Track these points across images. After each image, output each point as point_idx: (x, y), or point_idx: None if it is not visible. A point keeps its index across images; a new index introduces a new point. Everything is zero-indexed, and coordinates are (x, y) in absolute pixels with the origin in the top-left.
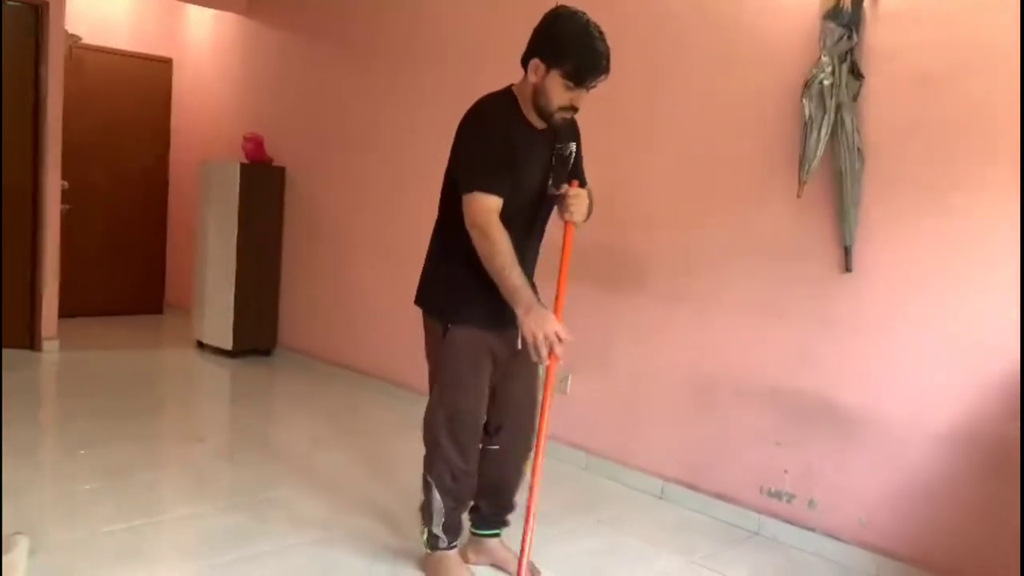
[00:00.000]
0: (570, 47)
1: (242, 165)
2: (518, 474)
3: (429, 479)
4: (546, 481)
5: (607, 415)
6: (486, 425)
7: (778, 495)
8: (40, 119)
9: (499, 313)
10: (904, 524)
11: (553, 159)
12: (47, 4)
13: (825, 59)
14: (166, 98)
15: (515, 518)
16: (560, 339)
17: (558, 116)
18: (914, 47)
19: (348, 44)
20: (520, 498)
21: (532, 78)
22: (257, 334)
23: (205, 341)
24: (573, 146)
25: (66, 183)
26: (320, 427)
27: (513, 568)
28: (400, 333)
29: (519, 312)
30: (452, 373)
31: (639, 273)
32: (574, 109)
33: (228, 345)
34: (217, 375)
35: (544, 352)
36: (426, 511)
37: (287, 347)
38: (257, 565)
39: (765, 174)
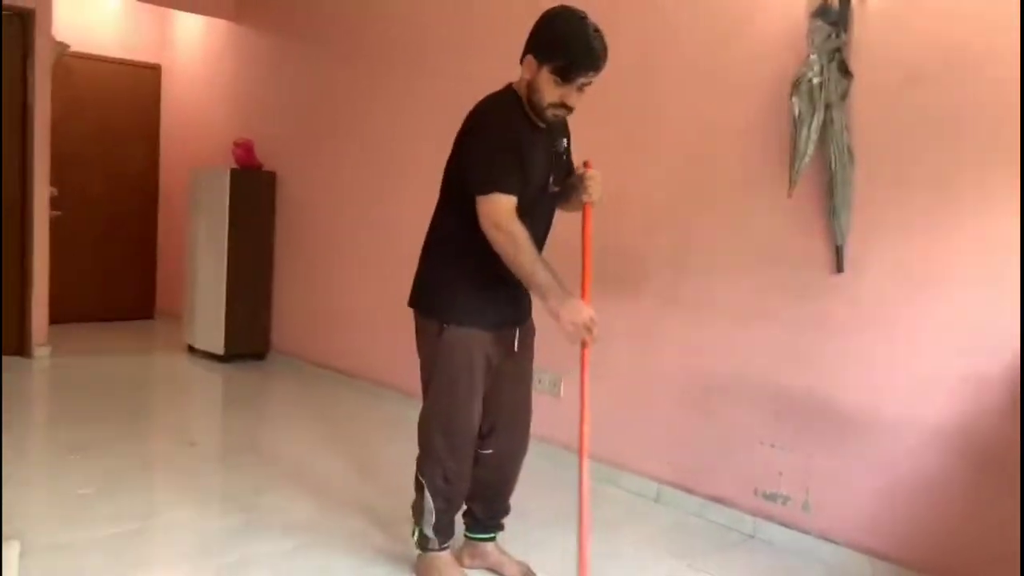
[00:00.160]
0: (559, 44)
1: (232, 171)
2: (513, 477)
3: (421, 479)
4: (540, 485)
5: (601, 418)
6: (479, 428)
7: (773, 497)
8: (28, 127)
9: (496, 314)
10: (900, 526)
11: (554, 156)
12: (34, 12)
13: (814, 57)
14: (155, 105)
15: (510, 521)
16: (594, 323)
17: (550, 113)
18: (903, 45)
19: (337, 49)
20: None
21: (526, 75)
22: (249, 338)
23: (196, 346)
24: (565, 142)
25: (55, 190)
26: (313, 430)
27: (508, 571)
28: (392, 336)
29: (551, 305)
30: (447, 373)
31: (631, 275)
32: (566, 107)
33: (220, 350)
34: (209, 380)
35: (584, 337)
36: (417, 511)
37: (279, 351)
38: (250, 568)
39: (756, 174)
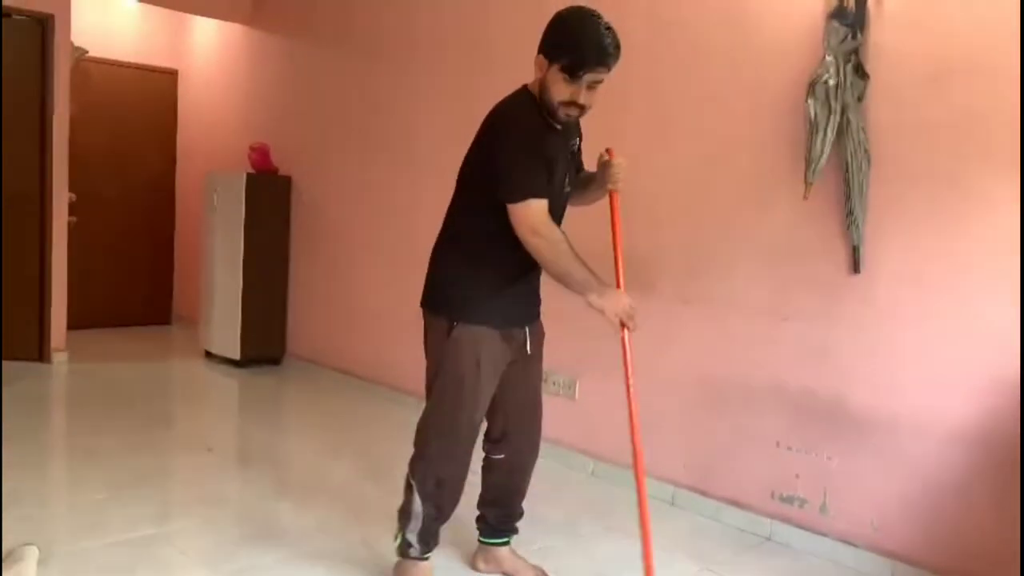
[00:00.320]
0: (567, 41)
1: (248, 175)
2: (525, 482)
3: (412, 481)
4: (554, 488)
5: (616, 420)
6: (488, 433)
7: (790, 500)
8: (47, 132)
9: (506, 314)
10: (918, 528)
11: (569, 157)
12: (53, 17)
13: (829, 59)
14: (172, 109)
15: (524, 524)
16: (634, 310)
17: (562, 112)
18: (920, 46)
19: (353, 51)
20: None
21: (537, 74)
22: (265, 343)
23: (213, 351)
24: (578, 141)
25: (73, 195)
26: (329, 435)
27: None
28: (409, 341)
29: (592, 299)
30: (454, 373)
31: (646, 276)
32: (577, 106)
33: (236, 355)
34: (225, 385)
35: (627, 324)
36: (404, 515)
37: (295, 356)
38: (265, 574)
39: (771, 175)
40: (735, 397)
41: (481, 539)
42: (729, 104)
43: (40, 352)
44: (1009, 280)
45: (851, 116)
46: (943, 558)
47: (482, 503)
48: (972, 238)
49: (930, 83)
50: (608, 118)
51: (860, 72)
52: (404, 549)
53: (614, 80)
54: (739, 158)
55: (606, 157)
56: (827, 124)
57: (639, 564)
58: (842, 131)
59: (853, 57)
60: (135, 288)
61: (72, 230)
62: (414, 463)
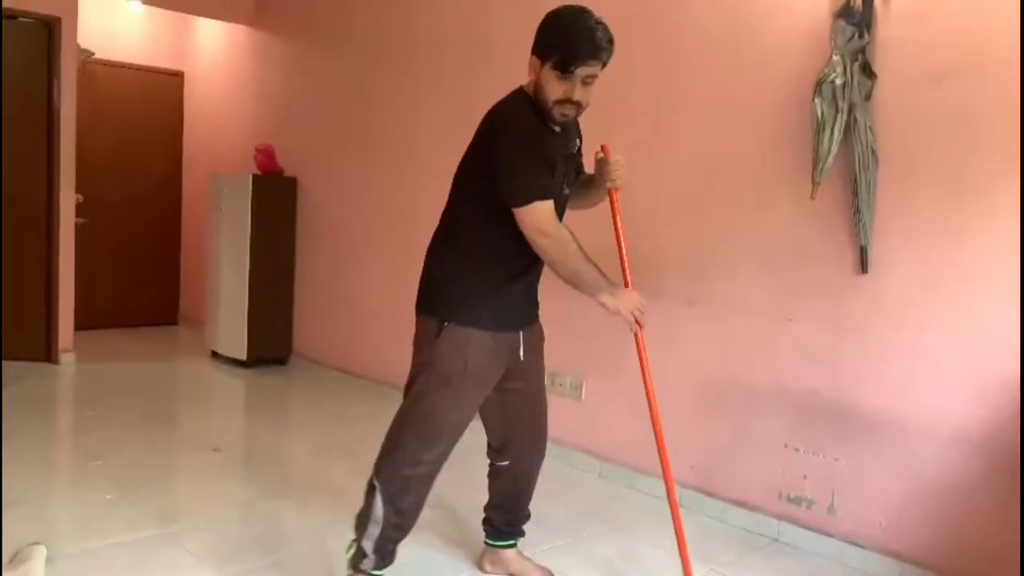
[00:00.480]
0: (558, 37)
1: (254, 176)
2: (530, 487)
3: (375, 482)
4: (560, 488)
5: (622, 421)
6: (490, 442)
7: (797, 501)
8: (54, 133)
9: (499, 316)
10: (926, 529)
11: (568, 159)
12: (60, 20)
13: (836, 58)
14: (178, 111)
15: (531, 525)
16: (644, 306)
17: (557, 112)
18: (927, 44)
19: (358, 53)
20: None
21: (530, 75)
22: (271, 344)
23: (219, 352)
24: (578, 143)
25: (80, 197)
26: (335, 436)
27: None
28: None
29: (603, 299)
30: (440, 375)
31: (651, 276)
32: (572, 103)
33: (242, 355)
34: (232, 385)
35: (641, 321)
36: (362, 520)
37: (301, 356)
38: (273, 574)
39: (778, 175)
40: (741, 398)
41: (487, 541)
42: (735, 103)
43: (48, 352)
44: (1018, 282)
45: (858, 115)
46: (950, 560)
47: (488, 507)
48: (981, 239)
49: (938, 82)
50: (612, 118)
51: (867, 71)
52: (357, 560)
53: (618, 80)
54: (745, 158)
55: (601, 154)
56: (834, 123)
57: (645, 565)
58: (849, 130)
59: (860, 56)
60: (142, 289)
61: (79, 231)
62: (381, 462)
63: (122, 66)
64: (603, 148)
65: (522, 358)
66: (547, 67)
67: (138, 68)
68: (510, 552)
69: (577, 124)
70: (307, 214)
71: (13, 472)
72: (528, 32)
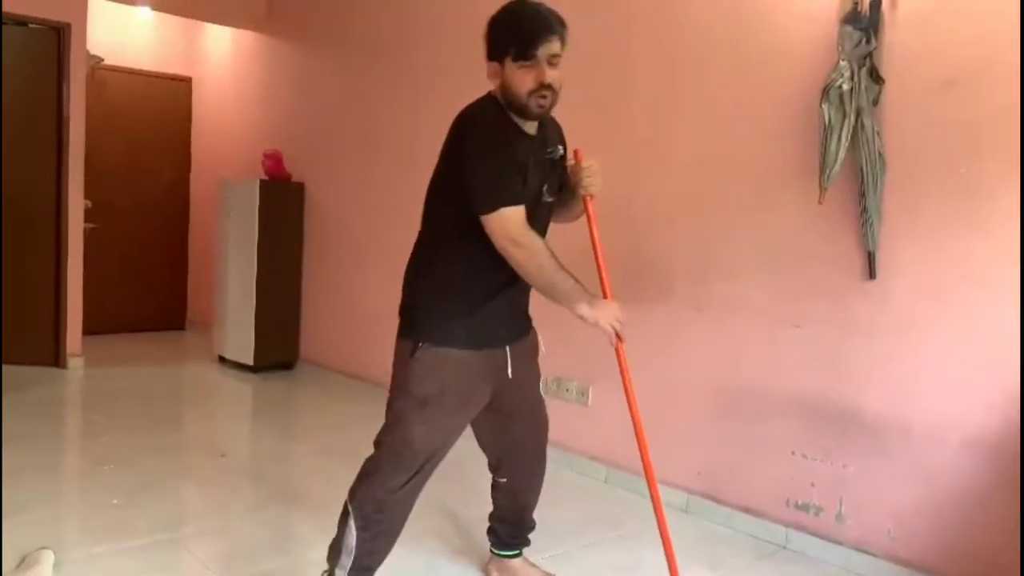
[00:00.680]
0: (506, 31)
1: (262, 182)
2: (532, 500)
3: (349, 507)
4: (567, 494)
5: (628, 427)
6: (488, 460)
7: (805, 507)
8: (63, 139)
9: (479, 333)
10: (935, 537)
11: (547, 164)
12: (70, 26)
13: (844, 63)
14: (186, 116)
15: (537, 533)
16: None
17: (533, 104)
18: (934, 49)
19: (365, 59)
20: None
21: (495, 81)
22: (278, 349)
23: (227, 356)
24: (561, 149)
25: (89, 202)
26: (342, 440)
27: None
28: None
29: (580, 310)
30: (416, 397)
31: (657, 282)
32: (545, 87)
33: (250, 360)
34: (239, 390)
35: (620, 334)
36: (334, 551)
37: (309, 361)
38: None
39: (785, 180)
40: (749, 404)
41: (494, 550)
42: (742, 108)
43: (56, 357)
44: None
45: (866, 120)
46: (959, 567)
47: (492, 517)
48: (989, 244)
49: (946, 87)
50: (615, 118)
51: (875, 76)
52: None
53: (621, 81)
54: (751, 163)
55: (572, 161)
56: (842, 129)
57: (653, 571)
58: (857, 136)
59: (867, 61)
60: (150, 294)
61: (88, 236)
62: (356, 485)
63: (131, 72)
64: (576, 153)
65: (511, 376)
66: (508, 64)
67: (147, 74)
68: (516, 561)
69: (560, 131)
70: (314, 220)
71: (21, 476)
72: None
